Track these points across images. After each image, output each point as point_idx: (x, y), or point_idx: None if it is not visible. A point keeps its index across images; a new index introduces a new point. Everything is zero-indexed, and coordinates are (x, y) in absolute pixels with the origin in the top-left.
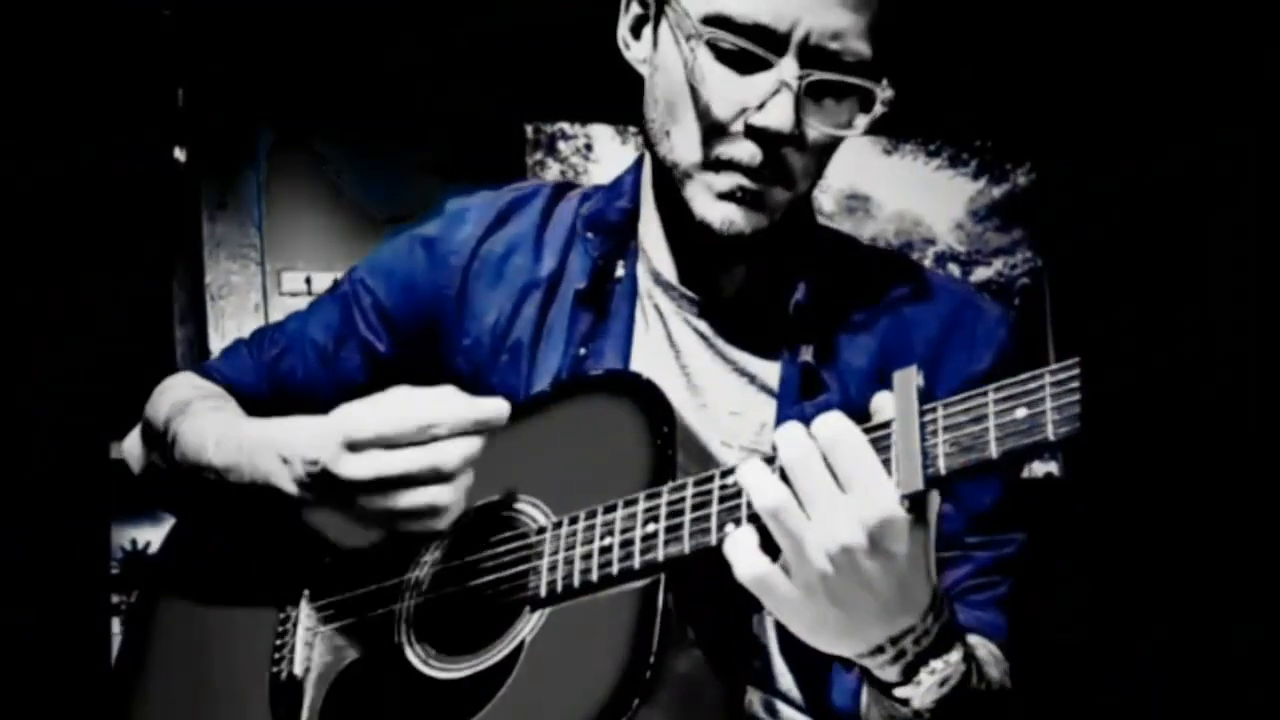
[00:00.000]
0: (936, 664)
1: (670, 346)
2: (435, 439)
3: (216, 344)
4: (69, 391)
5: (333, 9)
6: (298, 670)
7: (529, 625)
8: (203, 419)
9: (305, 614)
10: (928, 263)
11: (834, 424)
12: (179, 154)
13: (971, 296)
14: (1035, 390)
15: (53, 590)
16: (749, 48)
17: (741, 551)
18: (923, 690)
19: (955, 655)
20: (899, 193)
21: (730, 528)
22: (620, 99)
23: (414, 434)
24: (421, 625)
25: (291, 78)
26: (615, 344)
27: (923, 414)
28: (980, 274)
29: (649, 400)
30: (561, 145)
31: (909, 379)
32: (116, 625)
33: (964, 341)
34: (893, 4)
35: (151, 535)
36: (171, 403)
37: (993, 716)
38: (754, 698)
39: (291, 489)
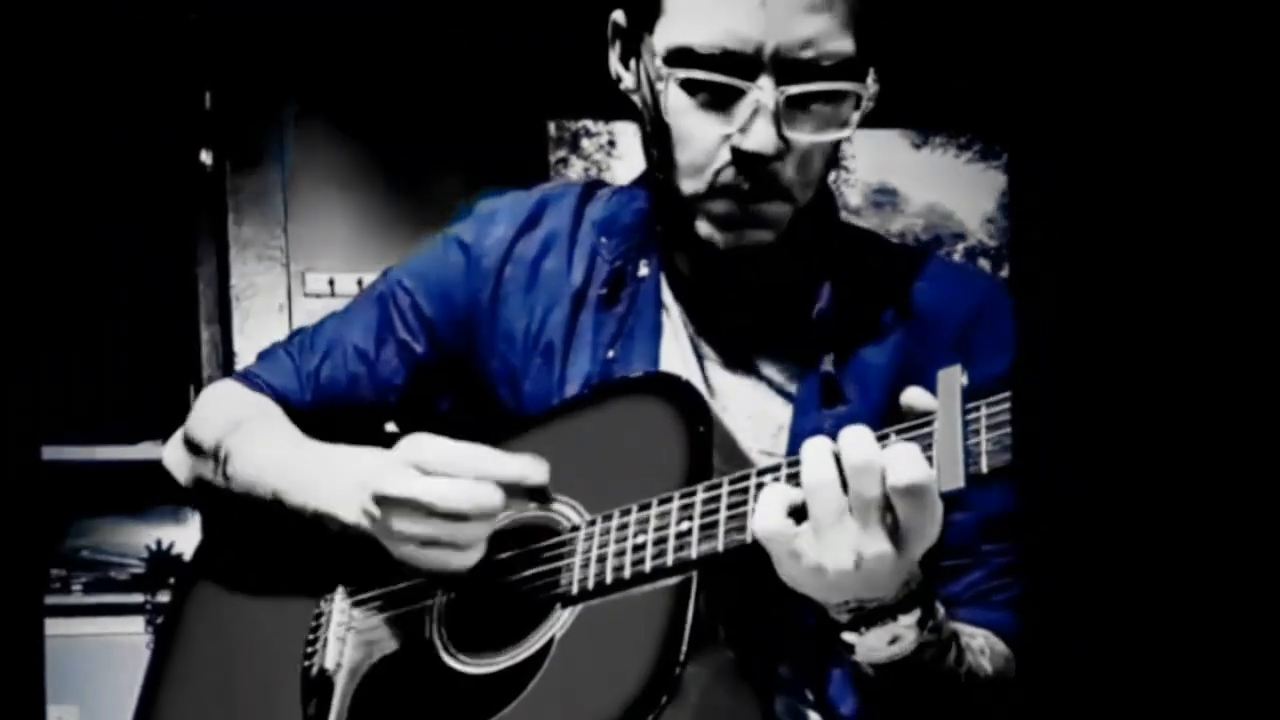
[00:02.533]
0: (888, 619)
1: (692, 349)
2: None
3: (241, 345)
4: (96, 392)
5: (355, 7)
6: (329, 665)
7: (560, 622)
8: (258, 438)
9: (339, 609)
10: (957, 257)
11: (863, 455)
12: (205, 156)
13: (995, 292)
14: None
15: None
16: (719, 79)
17: (772, 502)
18: (868, 641)
19: (909, 619)
20: (929, 186)
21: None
22: None
23: (468, 475)
24: (453, 621)
25: (315, 77)
26: (643, 346)
27: (966, 412)
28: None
29: (686, 401)
30: (585, 142)
31: (953, 377)
32: (142, 624)
33: (986, 340)
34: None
35: (176, 535)
36: (224, 420)
37: (966, 699)
38: (778, 701)
39: (350, 519)
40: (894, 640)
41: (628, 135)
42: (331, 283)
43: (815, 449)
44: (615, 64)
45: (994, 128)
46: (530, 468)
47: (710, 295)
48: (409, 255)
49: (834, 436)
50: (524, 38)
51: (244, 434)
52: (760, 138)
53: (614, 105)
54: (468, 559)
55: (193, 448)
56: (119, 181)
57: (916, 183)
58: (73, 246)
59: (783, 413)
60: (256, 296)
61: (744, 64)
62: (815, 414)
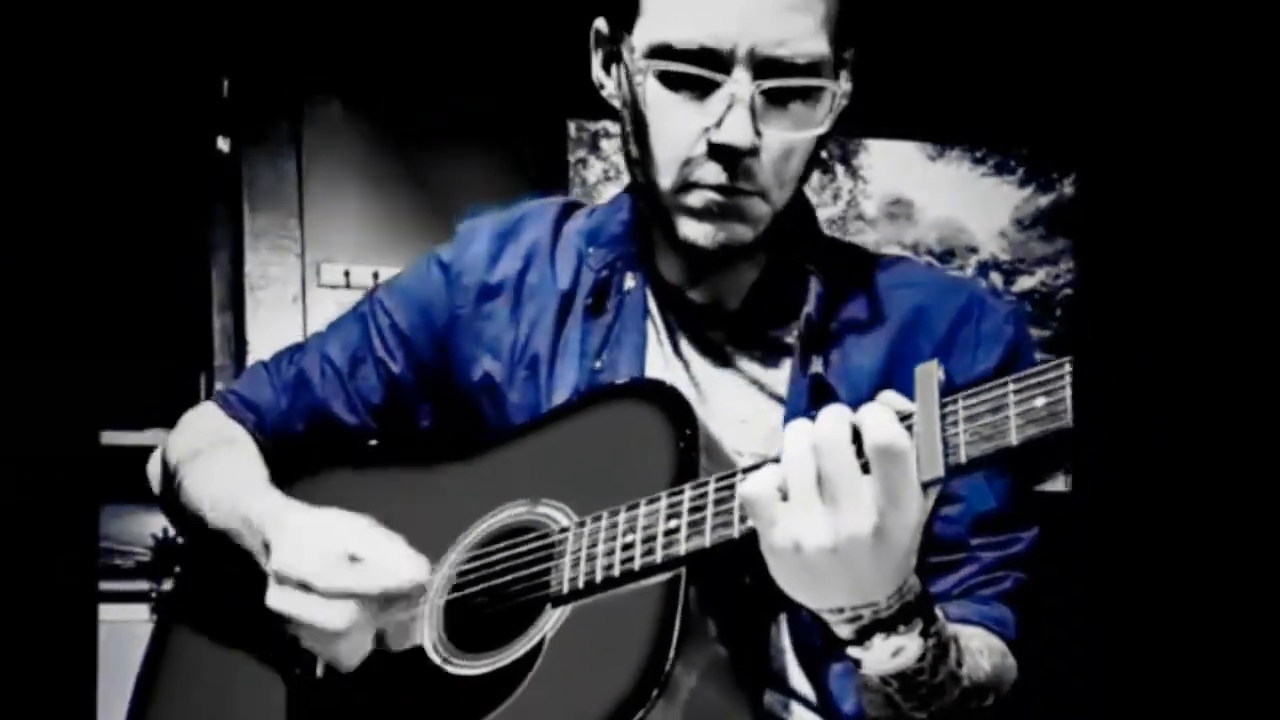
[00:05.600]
0: (891, 632)
1: (678, 356)
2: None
3: (254, 335)
4: (107, 381)
5: (376, 2)
6: (318, 670)
7: (550, 622)
8: (207, 471)
9: None
10: (970, 271)
11: (894, 430)
12: (222, 144)
13: (977, 294)
14: (1055, 379)
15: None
16: (696, 72)
17: (763, 472)
18: (873, 655)
19: (913, 630)
20: (943, 199)
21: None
22: None
23: (329, 590)
24: (442, 624)
25: (334, 67)
26: (629, 356)
27: (943, 405)
28: (1023, 283)
29: (671, 405)
30: (604, 143)
31: (930, 372)
32: (146, 612)
33: (970, 341)
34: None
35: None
36: (184, 448)
37: (975, 702)
38: (768, 697)
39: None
40: (898, 652)
41: None
42: (347, 274)
43: (795, 427)
44: (598, 71)
45: (1058, 146)
46: (400, 581)
47: (697, 302)
48: (422, 250)
49: None
50: (548, 36)
51: (197, 464)
52: (735, 130)
53: None
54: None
55: (164, 466)
56: (133, 168)
57: (931, 195)
58: (85, 232)
59: (774, 415)
60: (270, 287)
61: (721, 60)
62: (806, 415)
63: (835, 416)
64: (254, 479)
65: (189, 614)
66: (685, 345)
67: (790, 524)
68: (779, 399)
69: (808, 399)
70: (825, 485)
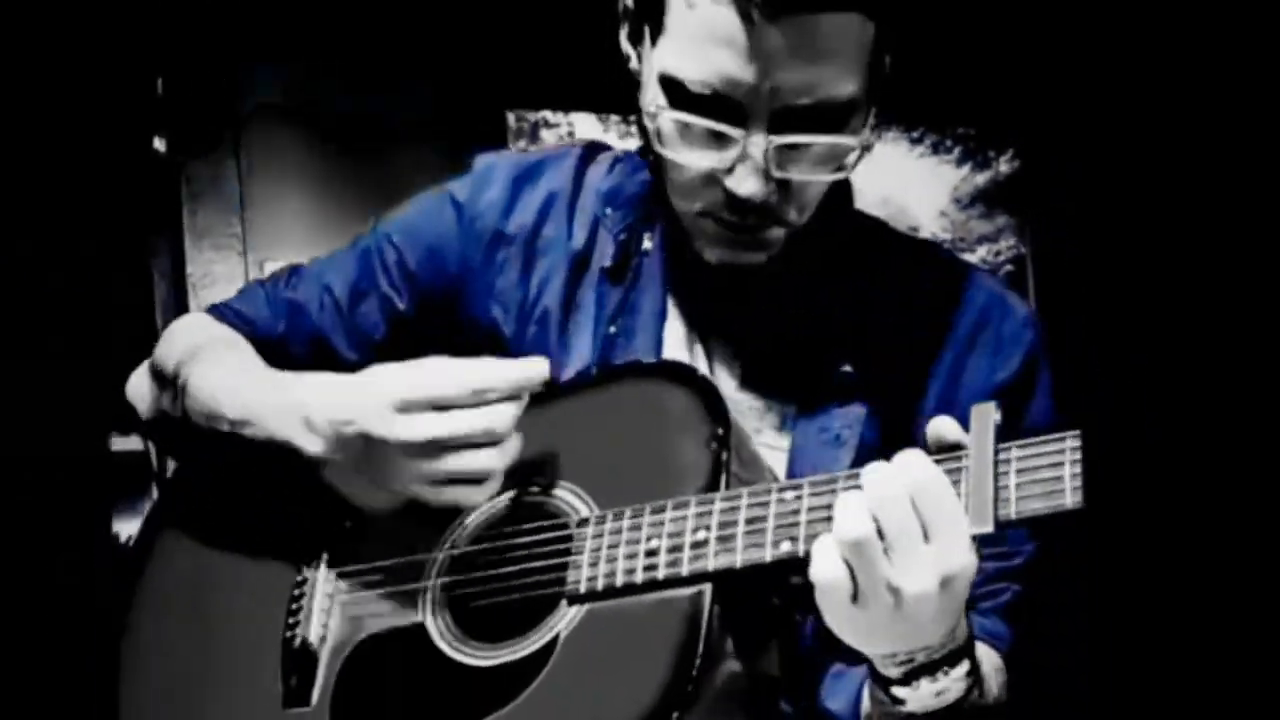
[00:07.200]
0: (939, 674)
1: (695, 330)
2: (486, 402)
3: None
4: (51, 385)
5: None
6: (313, 637)
7: (566, 619)
8: (215, 365)
9: (324, 579)
10: None
11: (922, 468)
12: (158, 144)
13: (1000, 295)
14: None
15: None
16: (708, 125)
17: (827, 554)
18: (919, 695)
19: (959, 671)
20: (882, 180)
21: (786, 545)
22: (603, 87)
23: (467, 397)
24: (448, 606)
25: (270, 62)
26: (646, 322)
27: (998, 452)
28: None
29: (705, 399)
30: (544, 133)
31: (986, 414)
32: None
33: (990, 345)
34: (891, 25)
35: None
36: (183, 347)
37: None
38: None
39: (315, 450)
40: (941, 693)
41: (587, 126)
42: None
43: (847, 509)
44: (625, 43)
45: (1000, 123)
46: (530, 370)
47: (719, 279)
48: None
49: (839, 436)
50: (484, 27)
51: (202, 360)
52: (749, 186)
53: (573, 96)
54: (486, 491)
55: (156, 377)
56: (68, 171)
57: (870, 177)
58: (22, 237)
59: (791, 402)
60: (214, 286)
61: (735, 111)
62: (826, 412)
63: (883, 478)
64: (267, 368)
65: (168, 561)
66: (704, 317)
67: (856, 596)
68: (798, 386)
69: (832, 394)
70: (887, 543)
